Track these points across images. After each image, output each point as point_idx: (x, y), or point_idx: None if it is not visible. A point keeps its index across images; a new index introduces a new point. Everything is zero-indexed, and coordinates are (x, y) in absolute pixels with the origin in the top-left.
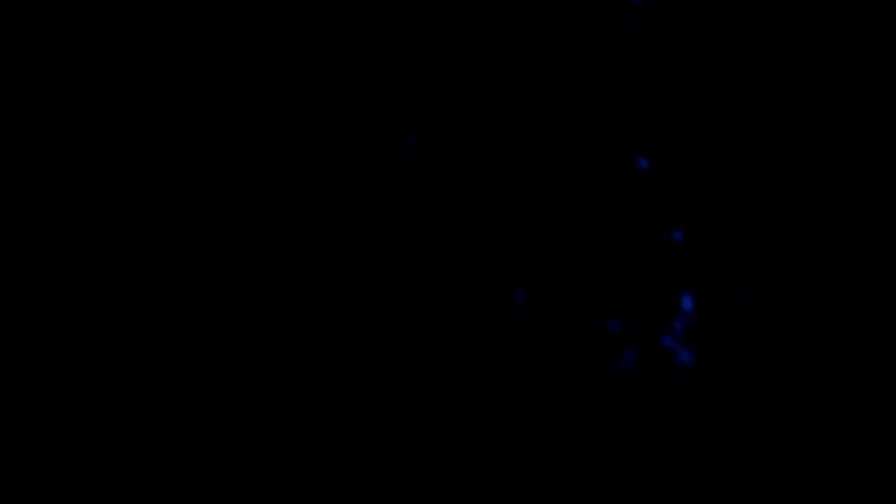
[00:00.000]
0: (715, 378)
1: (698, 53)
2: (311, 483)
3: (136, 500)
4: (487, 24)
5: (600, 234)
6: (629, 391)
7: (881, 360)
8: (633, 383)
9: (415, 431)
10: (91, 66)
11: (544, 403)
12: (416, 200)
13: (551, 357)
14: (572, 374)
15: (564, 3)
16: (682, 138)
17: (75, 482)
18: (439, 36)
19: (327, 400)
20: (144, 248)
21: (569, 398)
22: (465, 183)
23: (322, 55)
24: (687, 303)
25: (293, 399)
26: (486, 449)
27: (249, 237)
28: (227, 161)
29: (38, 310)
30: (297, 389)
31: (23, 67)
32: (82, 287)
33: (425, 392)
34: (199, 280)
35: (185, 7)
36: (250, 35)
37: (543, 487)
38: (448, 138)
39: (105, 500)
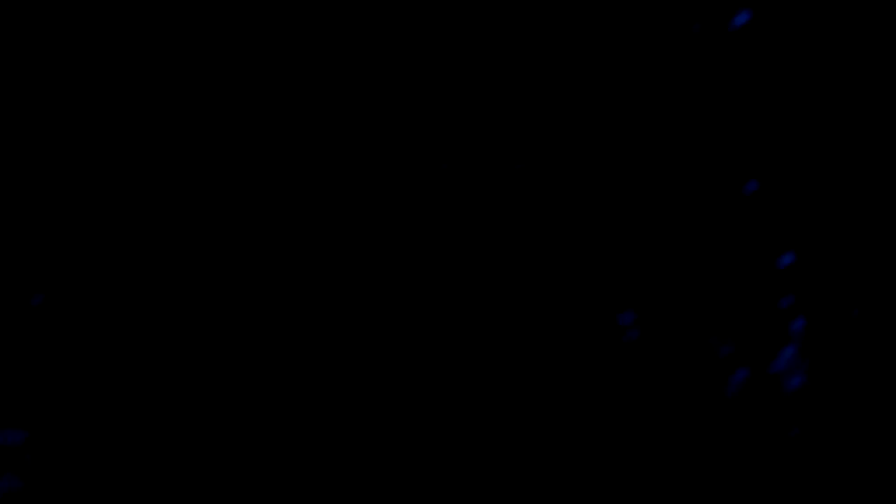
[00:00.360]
0: (826, 401)
1: (802, 73)
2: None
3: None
4: (599, 44)
5: (710, 257)
6: (739, 414)
7: None
8: (742, 406)
9: (531, 456)
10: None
11: (655, 426)
12: (524, 225)
13: (660, 381)
14: (681, 397)
15: (673, 24)
16: (789, 160)
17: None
18: (545, 58)
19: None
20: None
21: (679, 420)
22: (572, 207)
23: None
24: (797, 326)
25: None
26: (600, 472)
27: (361, 257)
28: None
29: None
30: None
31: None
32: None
33: (537, 416)
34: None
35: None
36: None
37: None
38: (555, 161)
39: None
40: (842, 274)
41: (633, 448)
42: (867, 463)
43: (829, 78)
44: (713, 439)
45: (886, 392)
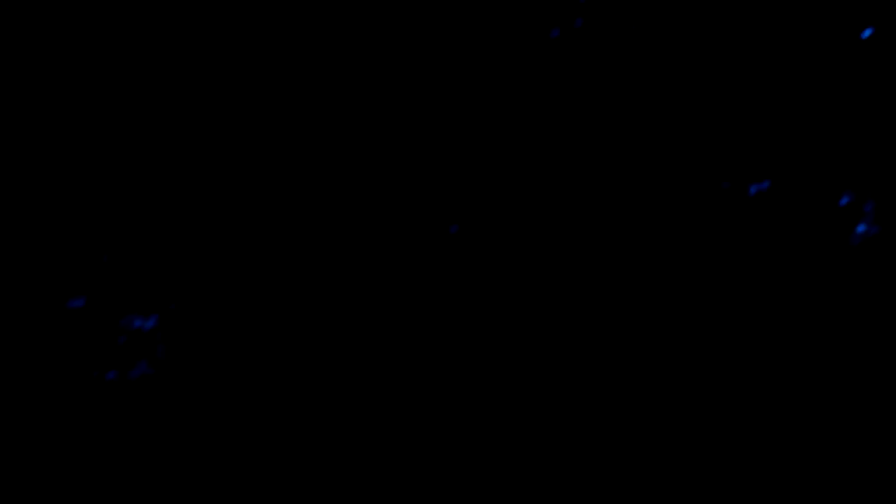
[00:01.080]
0: None
1: None
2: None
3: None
4: None
5: (828, 105)
6: (861, 263)
7: None
8: (865, 255)
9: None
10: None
11: (780, 276)
12: (656, 83)
13: (785, 230)
14: (805, 245)
15: None
16: None
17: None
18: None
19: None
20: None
21: (802, 271)
22: (697, 66)
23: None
24: None
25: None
26: (727, 316)
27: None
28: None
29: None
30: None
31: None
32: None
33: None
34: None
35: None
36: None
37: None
38: (677, 26)
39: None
40: None
41: (759, 298)
42: None
43: None
44: (838, 287)
45: None
